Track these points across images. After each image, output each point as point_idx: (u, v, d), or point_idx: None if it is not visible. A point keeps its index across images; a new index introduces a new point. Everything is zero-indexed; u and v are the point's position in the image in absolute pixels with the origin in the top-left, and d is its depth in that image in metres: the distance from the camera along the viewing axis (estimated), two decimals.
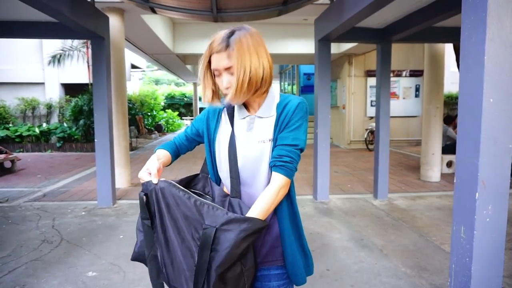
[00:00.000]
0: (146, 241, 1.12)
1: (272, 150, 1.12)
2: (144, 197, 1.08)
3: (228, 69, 1.08)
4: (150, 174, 1.08)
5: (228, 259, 0.98)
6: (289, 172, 1.08)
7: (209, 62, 1.12)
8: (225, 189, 1.21)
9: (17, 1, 3.09)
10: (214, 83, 1.15)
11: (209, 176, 1.26)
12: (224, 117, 1.22)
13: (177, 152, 1.31)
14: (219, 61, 1.08)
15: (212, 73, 1.13)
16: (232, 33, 1.09)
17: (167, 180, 1.05)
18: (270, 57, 1.12)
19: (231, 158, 1.13)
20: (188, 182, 1.25)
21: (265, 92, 1.18)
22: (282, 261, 1.16)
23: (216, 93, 1.16)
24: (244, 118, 1.18)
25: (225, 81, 1.09)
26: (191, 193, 1.04)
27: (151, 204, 1.08)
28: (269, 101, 1.17)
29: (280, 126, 1.12)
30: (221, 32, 1.11)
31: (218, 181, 1.23)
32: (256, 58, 1.07)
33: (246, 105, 1.20)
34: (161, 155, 1.21)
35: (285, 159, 1.08)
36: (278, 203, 1.10)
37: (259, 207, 1.05)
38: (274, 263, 1.16)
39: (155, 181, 1.06)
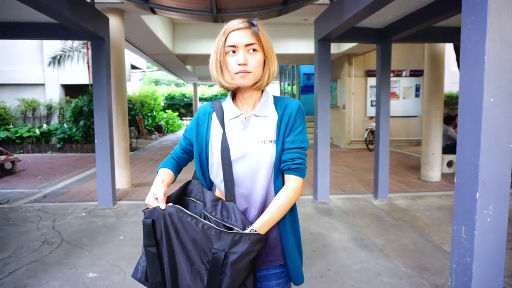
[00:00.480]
0: (150, 268, 1.10)
1: (278, 153, 1.12)
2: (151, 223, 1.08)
3: (249, 45, 1.09)
4: (157, 199, 1.07)
5: (237, 281, 1.01)
6: (304, 172, 1.15)
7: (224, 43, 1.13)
8: (217, 193, 1.20)
9: (17, 2, 3.09)
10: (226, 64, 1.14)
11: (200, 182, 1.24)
12: (215, 119, 1.20)
13: (178, 167, 1.31)
14: (240, 38, 1.09)
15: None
16: (251, 20, 1.13)
17: (175, 205, 1.04)
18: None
19: (224, 161, 1.12)
20: (183, 191, 1.23)
21: (262, 90, 1.20)
22: (281, 261, 1.17)
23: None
24: (236, 117, 1.17)
25: (242, 57, 1.09)
26: (198, 217, 1.03)
27: (157, 229, 1.07)
28: (265, 99, 1.18)
29: (285, 129, 1.14)
30: (237, 19, 1.13)
31: (210, 185, 1.21)
32: (273, 50, 1.16)
33: (236, 104, 1.20)
34: (164, 175, 1.20)
35: (298, 161, 1.12)
36: (294, 203, 1.14)
37: (277, 206, 1.08)
38: (274, 262, 1.16)
39: (162, 206, 1.05)
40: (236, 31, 1.10)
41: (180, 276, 1.06)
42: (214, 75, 1.15)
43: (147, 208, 1.09)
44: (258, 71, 1.12)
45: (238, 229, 1.04)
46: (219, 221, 1.08)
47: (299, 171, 1.12)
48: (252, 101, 1.18)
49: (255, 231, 1.04)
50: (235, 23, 1.11)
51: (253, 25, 1.11)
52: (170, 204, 1.06)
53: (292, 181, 1.12)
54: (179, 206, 1.04)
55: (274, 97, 1.21)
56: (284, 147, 1.13)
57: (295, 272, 1.16)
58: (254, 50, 1.10)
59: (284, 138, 1.13)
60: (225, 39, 1.11)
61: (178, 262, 1.06)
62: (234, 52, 1.10)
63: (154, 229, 1.08)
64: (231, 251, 0.98)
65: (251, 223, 1.09)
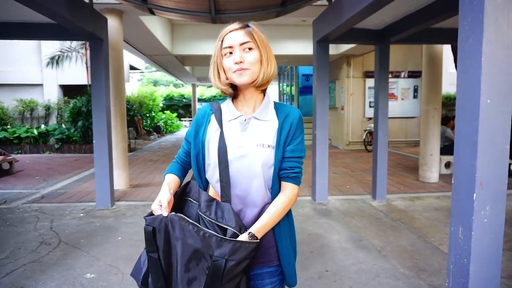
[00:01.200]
0: (152, 274, 1.12)
1: (278, 160, 1.14)
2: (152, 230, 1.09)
3: (244, 44, 1.11)
4: (162, 206, 1.08)
5: (232, 286, 1.04)
6: (300, 181, 1.19)
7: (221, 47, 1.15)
8: (211, 193, 1.20)
9: (16, 2, 3.08)
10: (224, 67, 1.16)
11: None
12: (213, 120, 1.21)
13: (183, 171, 1.32)
14: (235, 38, 1.12)
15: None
16: (246, 23, 1.15)
17: (177, 214, 1.06)
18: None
19: (221, 161, 1.12)
20: (183, 192, 1.24)
21: (262, 92, 1.21)
22: (275, 261, 1.18)
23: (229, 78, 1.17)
24: (236, 118, 1.18)
25: (238, 56, 1.11)
26: (199, 225, 1.04)
27: (157, 236, 1.09)
28: (266, 103, 1.19)
29: (286, 137, 1.16)
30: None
31: (206, 185, 1.22)
32: (270, 49, 1.17)
33: (236, 106, 1.21)
34: (171, 182, 1.21)
35: (296, 170, 1.17)
36: (289, 209, 1.17)
37: (274, 211, 1.11)
38: (267, 263, 1.17)
39: (165, 214, 1.06)
40: (230, 33, 1.13)
41: (178, 282, 1.07)
42: (211, 79, 1.18)
43: (149, 215, 1.10)
44: (255, 68, 1.13)
45: (233, 230, 1.05)
46: (213, 221, 1.08)
47: (296, 180, 1.17)
48: (253, 103, 1.19)
49: (253, 234, 1.05)
50: (231, 25, 1.14)
51: (247, 25, 1.14)
52: (173, 213, 1.07)
53: (289, 188, 1.16)
54: (181, 215, 1.05)
55: (275, 103, 1.23)
56: (284, 155, 1.16)
57: (290, 274, 1.18)
58: (249, 48, 1.12)
59: (285, 146, 1.16)
60: (221, 42, 1.14)
61: (173, 270, 1.07)
62: (231, 53, 1.13)
63: (155, 236, 1.09)
64: (231, 258, 1.00)
65: (245, 225, 1.10)
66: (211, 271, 1.00)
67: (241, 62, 1.11)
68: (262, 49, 1.14)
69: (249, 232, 1.05)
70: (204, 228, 1.03)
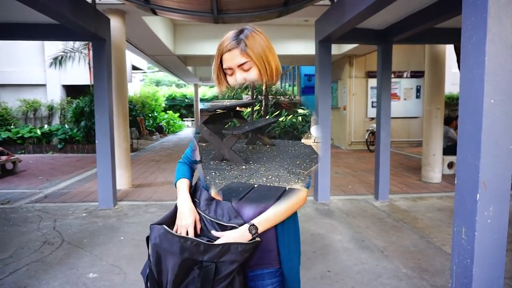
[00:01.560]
0: (150, 281, 1.13)
1: None
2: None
3: (241, 65, 1.10)
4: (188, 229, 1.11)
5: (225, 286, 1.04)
6: (309, 183, 1.16)
7: (220, 63, 1.14)
8: (213, 193, 1.20)
9: (19, 3, 3.10)
10: (228, 83, 1.16)
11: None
12: None
13: (192, 172, 1.32)
14: (232, 59, 1.10)
15: (224, 73, 1.16)
16: (241, 31, 1.11)
17: (163, 226, 1.07)
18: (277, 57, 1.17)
19: None
20: (192, 194, 1.25)
21: None
22: (275, 265, 1.16)
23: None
24: None
25: (239, 78, 1.10)
26: (186, 236, 1.05)
27: (151, 246, 1.11)
28: None
29: None
30: (229, 32, 1.13)
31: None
32: (269, 52, 1.13)
33: None
34: (189, 189, 1.22)
35: None
36: (295, 210, 1.14)
37: (279, 208, 1.09)
38: (267, 266, 1.16)
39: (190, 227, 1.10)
40: (227, 53, 1.10)
41: None
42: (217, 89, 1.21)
43: (154, 224, 1.12)
44: (258, 83, 1.14)
45: (234, 225, 1.06)
46: (213, 219, 1.09)
47: (303, 182, 1.15)
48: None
49: (254, 225, 1.05)
50: (225, 43, 1.11)
51: (241, 39, 1.09)
52: (160, 226, 1.08)
53: (296, 190, 1.14)
54: (166, 228, 1.06)
55: None
56: None
57: (292, 278, 1.17)
58: (246, 70, 1.11)
59: None
60: (220, 60, 1.13)
61: (165, 277, 1.07)
62: (231, 74, 1.13)
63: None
64: (221, 260, 1.01)
65: (246, 222, 1.09)
66: (202, 277, 1.01)
67: (243, 84, 1.11)
68: (261, 65, 1.10)
69: (251, 224, 1.05)
70: (191, 237, 1.04)
